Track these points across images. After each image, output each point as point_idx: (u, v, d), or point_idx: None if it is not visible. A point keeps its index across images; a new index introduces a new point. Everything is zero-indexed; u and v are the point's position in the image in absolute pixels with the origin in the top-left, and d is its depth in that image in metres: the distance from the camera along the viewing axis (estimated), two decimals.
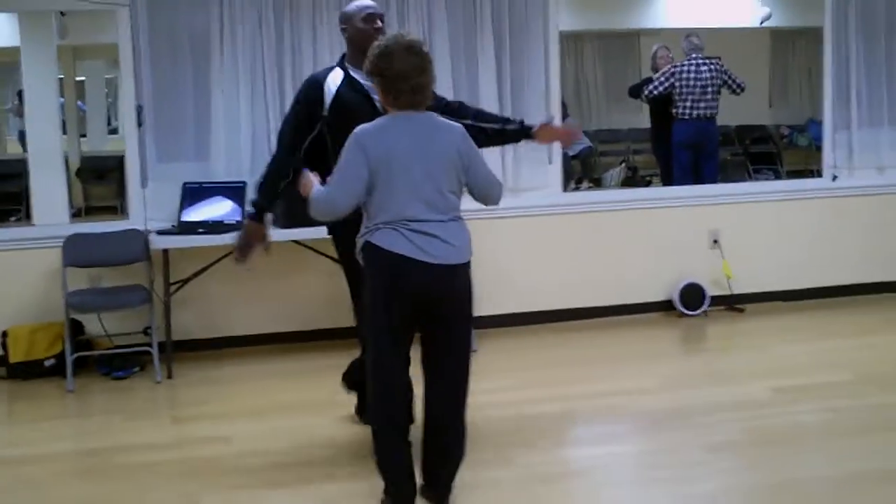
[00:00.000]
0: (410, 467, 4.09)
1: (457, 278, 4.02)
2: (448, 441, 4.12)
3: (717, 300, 7.71)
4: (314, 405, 5.81)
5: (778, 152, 11.64)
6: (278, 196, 5.03)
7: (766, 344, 6.92)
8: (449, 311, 4.03)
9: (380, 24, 4.80)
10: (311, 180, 4.11)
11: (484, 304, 7.02)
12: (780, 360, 6.49)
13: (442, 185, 3.98)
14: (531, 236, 7.47)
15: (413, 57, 3.96)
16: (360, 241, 4.04)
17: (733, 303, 7.75)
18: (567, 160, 9.14)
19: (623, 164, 11.80)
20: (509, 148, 7.17)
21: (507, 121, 5.13)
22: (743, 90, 9.40)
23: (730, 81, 9.28)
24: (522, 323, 7.41)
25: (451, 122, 4.16)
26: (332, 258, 6.66)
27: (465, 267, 4.05)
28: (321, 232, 6.55)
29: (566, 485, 4.63)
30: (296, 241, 6.66)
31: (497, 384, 5.93)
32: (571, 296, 7.53)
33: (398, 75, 3.95)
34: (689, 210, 7.79)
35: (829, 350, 6.69)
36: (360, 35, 4.77)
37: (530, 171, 7.40)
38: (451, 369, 4.08)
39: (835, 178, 7.96)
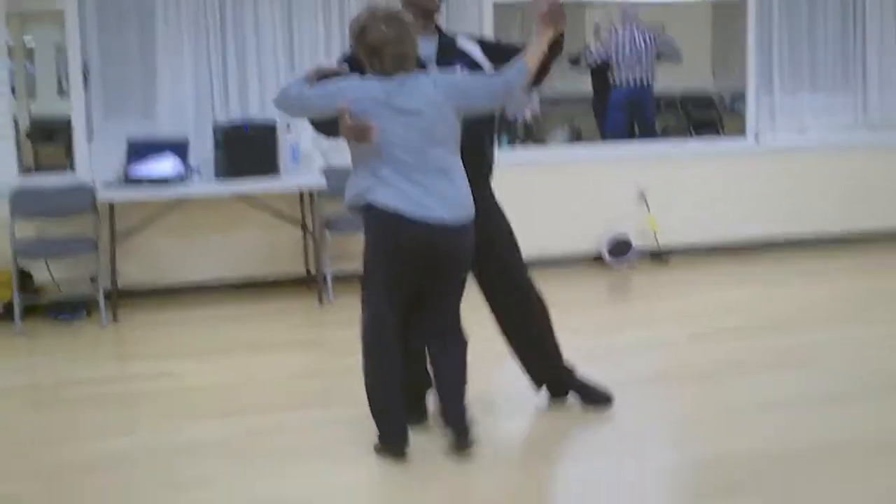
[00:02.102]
0: (404, 424, 4.35)
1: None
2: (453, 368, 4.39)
3: (644, 252, 8.06)
4: (255, 346, 6.15)
5: (719, 119, 11.96)
6: None
7: (686, 292, 7.29)
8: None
9: None
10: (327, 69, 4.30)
11: None
12: (698, 307, 6.84)
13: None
14: None
15: (391, 28, 4.11)
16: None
17: (659, 255, 8.10)
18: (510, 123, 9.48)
19: (567, 127, 12.09)
20: None
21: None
22: (679, 60, 9.73)
23: (666, 50, 9.61)
24: None
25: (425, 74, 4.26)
26: (273, 211, 6.99)
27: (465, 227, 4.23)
28: (262, 185, 6.89)
29: (506, 410, 4.98)
30: (237, 195, 6.95)
31: None
32: None
33: (377, 46, 4.10)
34: (618, 167, 8.12)
35: (742, 298, 7.04)
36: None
37: None
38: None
39: (757, 138, 8.31)
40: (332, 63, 4.47)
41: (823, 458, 4.29)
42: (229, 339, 6.33)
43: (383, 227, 4.21)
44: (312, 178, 7.12)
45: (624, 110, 9.74)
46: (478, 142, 4.50)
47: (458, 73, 4.39)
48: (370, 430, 4.38)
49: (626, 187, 8.07)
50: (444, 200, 4.16)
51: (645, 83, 9.72)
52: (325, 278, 7.09)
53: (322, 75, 4.27)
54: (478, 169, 4.47)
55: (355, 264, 7.20)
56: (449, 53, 4.51)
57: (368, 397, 4.36)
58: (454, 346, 4.40)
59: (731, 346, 5.88)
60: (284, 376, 5.59)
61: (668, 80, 10.24)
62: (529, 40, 4.33)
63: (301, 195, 7.23)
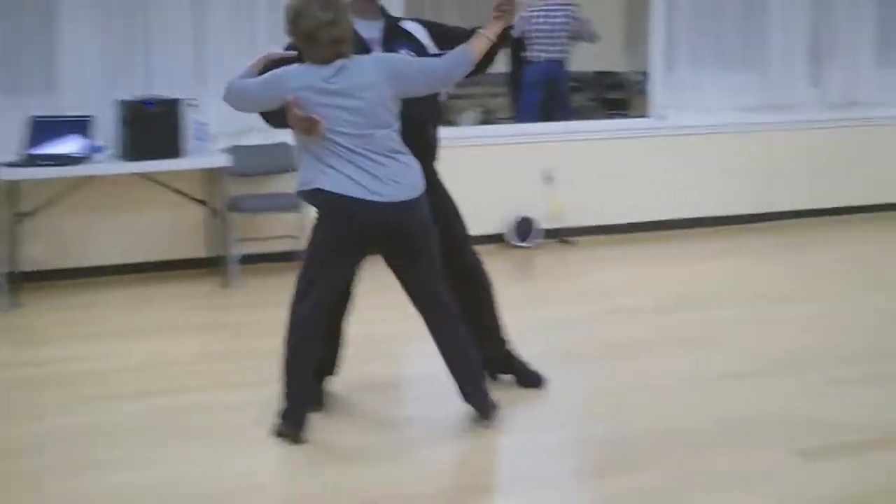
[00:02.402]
0: (309, 396, 4.47)
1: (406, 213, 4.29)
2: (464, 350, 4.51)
3: (550, 233, 8.14)
4: (161, 329, 6.15)
5: (631, 98, 12.08)
6: None
7: (590, 272, 7.40)
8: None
9: None
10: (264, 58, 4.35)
11: None
12: (600, 286, 6.96)
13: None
14: None
15: (325, 12, 4.11)
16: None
17: (564, 236, 8.19)
18: None
19: (479, 109, 12.14)
20: None
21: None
22: (594, 40, 9.82)
23: (583, 30, 9.68)
24: None
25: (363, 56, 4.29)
26: (178, 191, 6.95)
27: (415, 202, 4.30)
28: (167, 164, 6.83)
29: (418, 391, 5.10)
30: (142, 175, 6.89)
31: None
32: None
33: (312, 32, 4.12)
34: (524, 147, 8.18)
35: (647, 277, 7.18)
36: None
37: None
38: None
39: (662, 117, 8.43)
40: (277, 51, 4.44)
41: (722, 433, 4.41)
42: (135, 322, 6.30)
43: (335, 212, 4.28)
44: (218, 157, 7.06)
45: (539, 87, 9.80)
46: (420, 125, 4.54)
47: (401, 55, 4.42)
48: (274, 412, 4.43)
49: (533, 168, 8.14)
50: (393, 181, 4.23)
51: (560, 59, 9.79)
52: (230, 260, 7.06)
53: (270, 63, 4.30)
54: (422, 151, 4.52)
55: (261, 246, 7.32)
56: (394, 36, 4.55)
57: (288, 377, 4.41)
58: (443, 321, 4.49)
59: (633, 325, 5.99)
60: (190, 359, 5.58)
61: (580, 60, 10.32)
62: (478, 27, 4.42)
63: (206, 175, 7.18)
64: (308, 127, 4.16)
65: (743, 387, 4.96)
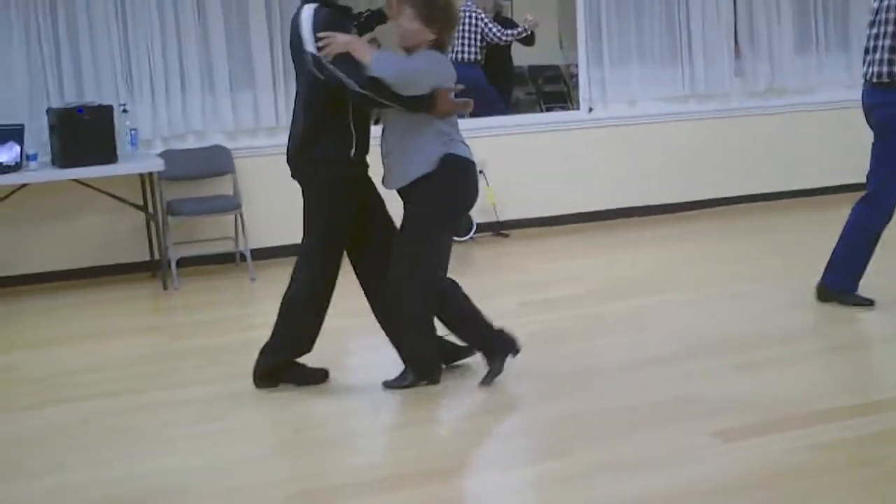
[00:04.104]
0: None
1: None
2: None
3: (484, 227, 8.28)
4: (101, 333, 6.24)
5: (567, 91, 12.21)
6: None
7: (521, 264, 7.55)
8: None
9: None
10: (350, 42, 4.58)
11: (264, 235, 7.50)
12: (532, 278, 7.10)
13: None
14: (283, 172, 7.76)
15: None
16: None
17: (499, 229, 8.33)
18: None
19: None
20: (281, 85, 7.62)
21: None
22: (503, 41, 9.89)
23: (489, 33, 9.75)
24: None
25: None
26: (114, 196, 7.00)
27: None
28: (101, 170, 6.85)
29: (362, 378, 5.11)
30: (77, 181, 6.94)
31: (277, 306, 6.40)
32: None
33: (454, 22, 4.79)
34: None
35: (579, 268, 7.34)
36: None
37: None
38: None
39: (590, 110, 8.59)
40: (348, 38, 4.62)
41: (642, 416, 4.55)
42: (74, 328, 6.37)
43: (465, 175, 4.78)
44: (152, 162, 7.12)
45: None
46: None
47: None
48: (217, 411, 4.67)
49: None
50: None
51: (470, 60, 9.87)
52: (169, 263, 7.13)
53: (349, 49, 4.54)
54: None
55: (199, 248, 7.39)
56: None
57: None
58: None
59: (564, 315, 6.13)
60: (129, 362, 5.64)
61: (518, 54, 10.42)
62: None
63: (142, 179, 7.25)
64: (463, 106, 4.76)
65: (664, 371, 5.09)
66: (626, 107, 8.68)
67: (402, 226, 4.81)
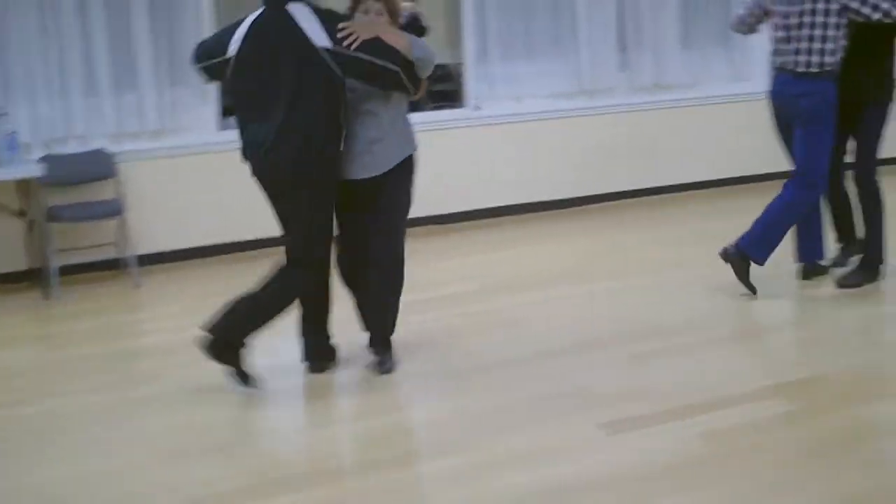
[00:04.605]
0: None
1: None
2: None
3: None
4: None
5: (458, 89, 12.22)
6: None
7: (415, 262, 7.33)
8: None
9: None
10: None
11: (149, 240, 7.37)
12: (426, 276, 7.01)
13: None
14: (192, 175, 7.69)
15: None
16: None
17: None
18: None
19: None
20: (166, 87, 7.50)
21: None
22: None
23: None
24: (190, 258, 7.69)
25: None
26: None
27: None
28: None
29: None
30: None
31: (166, 312, 6.43)
32: (236, 230, 7.80)
33: None
34: None
35: (469, 265, 7.33)
36: None
37: (186, 113, 7.64)
38: None
39: (477, 107, 8.59)
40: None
41: (532, 410, 4.58)
42: None
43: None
44: (32, 167, 6.93)
45: None
46: None
47: None
48: (107, 419, 4.64)
49: None
50: None
51: None
52: (50, 271, 6.95)
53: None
54: None
55: (82, 255, 7.23)
56: None
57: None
58: None
59: (457, 311, 6.13)
60: (14, 372, 5.51)
61: None
62: None
63: (21, 185, 7.05)
64: None
65: (556, 365, 5.13)
66: (514, 103, 8.68)
67: (389, 202, 5.00)
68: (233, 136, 4.88)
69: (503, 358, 5.29)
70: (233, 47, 4.77)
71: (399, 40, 4.67)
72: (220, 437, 4.53)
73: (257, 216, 7.71)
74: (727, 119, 9.17)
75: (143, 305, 6.84)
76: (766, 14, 6.14)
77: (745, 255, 6.00)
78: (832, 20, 5.70)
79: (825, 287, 6.18)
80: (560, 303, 6.21)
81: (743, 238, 6.04)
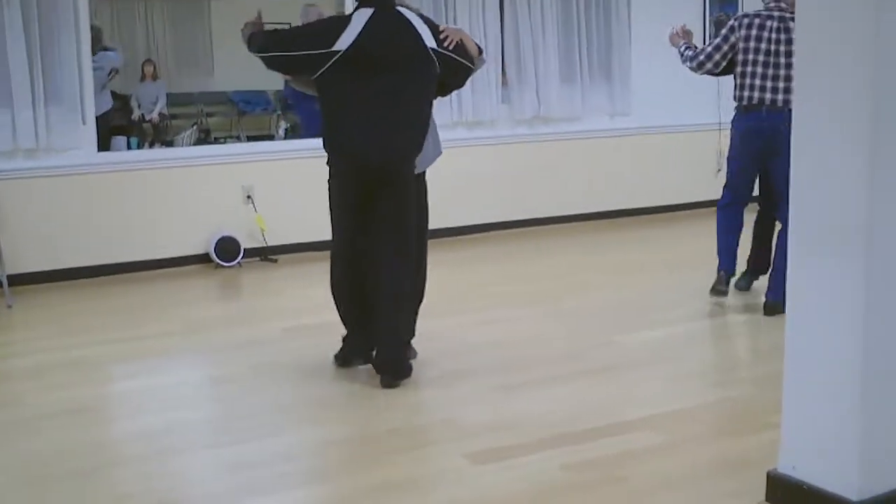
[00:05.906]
0: None
1: None
2: None
3: (253, 252, 8.20)
4: None
5: None
6: None
7: (288, 289, 7.50)
8: None
9: None
10: None
11: (22, 261, 7.24)
12: (297, 304, 7.05)
13: None
14: (67, 196, 7.62)
15: None
16: None
17: (267, 254, 8.26)
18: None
19: (195, 126, 12.09)
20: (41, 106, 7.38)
21: None
22: None
23: None
24: (63, 279, 7.59)
25: None
26: None
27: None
28: None
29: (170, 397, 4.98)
30: None
31: (37, 333, 6.34)
32: (111, 252, 7.75)
33: None
34: (223, 168, 8.20)
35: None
36: None
37: (62, 132, 7.54)
38: None
39: None
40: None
41: (398, 440, 4.58)
42: None
43: None
44: None
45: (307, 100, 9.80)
46: None
47: None
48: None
49: (235, 187, 8.18)
50: None
51: None
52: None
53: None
54: None
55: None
56: None
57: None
58: None
59: (327, 340, 6.01)
60: None
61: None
62: None
63: None
64: None
65: (426, 395, 5.17)
66: None
67: (411, 209, 5.29)
68: (110, 157, 4.84)
69: (367, 388, 5.27)
70: (344, 41, 4.92)
71: (473, 45, 5.22)
72: (77, 464, 4.43)
73: (133, 238, 7.71)
74: (607, 153, 9.37)
75: (14, 326, 6.71)
76: (732, 49, 6.27)
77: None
78: None
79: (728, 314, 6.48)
80: (431, 333, 6.08)
81: (773, 291, 6.22)
